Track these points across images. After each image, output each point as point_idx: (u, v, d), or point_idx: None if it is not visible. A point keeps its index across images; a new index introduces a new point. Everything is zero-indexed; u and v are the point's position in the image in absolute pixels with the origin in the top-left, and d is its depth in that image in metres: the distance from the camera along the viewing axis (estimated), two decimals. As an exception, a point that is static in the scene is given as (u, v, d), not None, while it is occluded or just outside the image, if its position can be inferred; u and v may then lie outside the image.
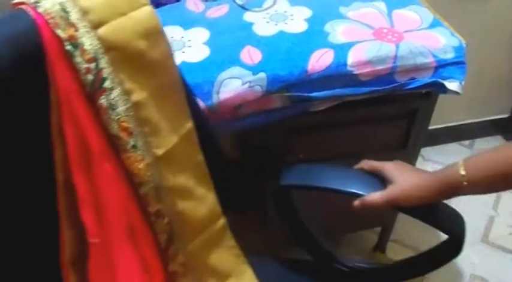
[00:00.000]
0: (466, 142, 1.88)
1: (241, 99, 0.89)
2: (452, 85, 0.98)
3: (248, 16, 1.01)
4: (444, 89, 0.99)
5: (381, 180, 0.74)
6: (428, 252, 0.83)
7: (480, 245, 1.54)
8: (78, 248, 0.60)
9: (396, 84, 0.96)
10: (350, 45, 0.94)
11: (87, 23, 0.54)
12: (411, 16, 1.05)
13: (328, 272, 0.90)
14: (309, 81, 0.91)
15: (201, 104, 0.87)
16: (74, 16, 0.53)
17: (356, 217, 1.20)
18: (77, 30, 0.53)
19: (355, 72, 0.93)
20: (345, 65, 0.92)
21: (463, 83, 0.99)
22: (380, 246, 1.46)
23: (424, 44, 0.97)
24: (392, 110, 1.06)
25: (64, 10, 0.53)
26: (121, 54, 0.56)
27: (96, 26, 0.55)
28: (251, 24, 0.98)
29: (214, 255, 0.73)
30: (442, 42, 0.98)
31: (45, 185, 0.57)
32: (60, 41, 0.52)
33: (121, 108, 0.56)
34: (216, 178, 0.72)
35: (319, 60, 0.91)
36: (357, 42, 0.95)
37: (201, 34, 0.96)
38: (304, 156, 1.03)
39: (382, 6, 1.06)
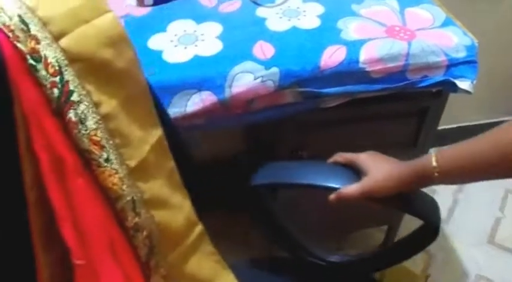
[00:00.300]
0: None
1: (253, 93, 0.89)
2: (463, 84, 0.98)
3: (261, 11, 1.01)
4: (455, 88, 0.99)
5: (356, 173, 0.74)
6: (406, 238, 0.83)
7: (486, 246, 1.54)
8: (58, 270, 0.58)
9: (408, 82, 0.97)
10: (362, 42, 0.94)
11: (48, 34, 0.51)
12: (423, 14, 1.05)
13: (306, 267, 0.90)
14: (321, 77, 0.91)
15: (214, 97, 0.88)
16: (34, 28, 0.50)
17: (362, 215, 1.22)
18: (38, 42, 0.50)
19: (367, 69, 0.93)
20: (357, 61, 0.92)
21: (474, 82, 0.99)
22: (386, 245, 1.46)
23: (436, 42, 0.97)
24: (403, 107, 1.06)
25: (23, 22, 0.50)
26: (86, 65, 0.54)
27: (57, 37, 0.52)
28: (264, 19, 0.99)
29: (194, 263, 0.72)
30: (454, 41, 0.98)
31: (17, 209, 0.54)
32: (22, 55, 0.49)
33: (90, 121, 0.54)
34: (191, 182, 0.71)
35: (332, 57, 0.91)
36: (369, 39, 0.95)
37: (213, 28, 0.96)
38: (309, 154, 1.04)
39: (395, 4, 1.06)
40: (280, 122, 0.99)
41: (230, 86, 0.88)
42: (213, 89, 0.88)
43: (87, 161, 0.55)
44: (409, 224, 1.39)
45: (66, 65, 0.52)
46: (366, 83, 0.95)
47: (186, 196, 0.69)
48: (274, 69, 0.89)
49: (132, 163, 0.59)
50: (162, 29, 0.96)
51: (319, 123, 1.02)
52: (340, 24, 0.98)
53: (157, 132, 0.64)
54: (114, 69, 0.56)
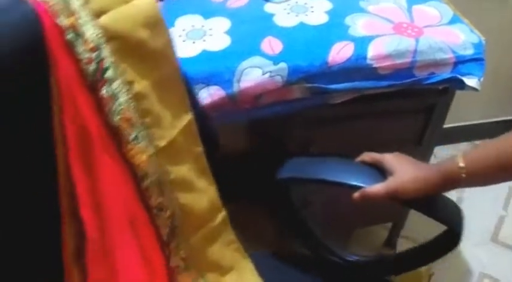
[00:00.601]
0: (478, 142, 1.87)
1: (261, 88, 0.89)
2: (470, 81, 0.98)
3: (269, 7, 1.01)
4: (462, 85, 0.99)
5: (381, 172, 0.74)
6: (427, 243, 0.83)
7: (490, 244, 1.54)
8: (80, 243, 0.59)
9: (415, 78, 0.97)
10: (370, 38, 0.94)
11: (89, 11, 0.53)
12: (431, 12, 1.05)
13: (325, 265, 0.90)
14: (329, 73, 0.91)
15: (222, 92, 0.88)
16: (75, 4, 0.52)
17: (367, 212, 1.22)
18: (78, 18, 0.52)
19: (374, 66, 0.93)
20: (365, 58, 0.92)
21: (481, 79, 0.99)
22: (390, 242, 1.46)
23: (443, 39, 0.97)
24: (409, 104, 1.07)
25: None
26: (123, 43, 0.55)
27: (97, 14, 0.53)
28: (272, 15, 0.99)
29: (215, 250, 0.72)
30: (461, 38, 0.98)
31: (48, 179, 0.56)
32: (61, 30, 0.51)
33: (122, 98, 0.55)
34: (216, 171, 0.71)
35: (340, 53, 0.92)
36: (377, 35, 0.95)
37: (222, 23, 0.97)
38: (318, 149, 1.04)
39: (402, 1, 1.06)
40: (288, 117, 0.99)
41: (238, 81, 0.89)
42: (221, 83, 0.88)
43: (116, 138, 0.56)
44: (413, 221, 1.40)
45: (104, 42, 0.53)
46: (373, 79, 0.95)
47: (211, 182, 0.70)
48: (283, 65, 0.89)
49: (161, 143, 0.60)
50: (171, 24, 0.96)
51: (326, 119, 1.02)
52: (348, 20, 0.98)
53: (187, 116, 0.65)
54: (149, 49, 0.58)
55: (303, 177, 0.79)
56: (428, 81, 0.98)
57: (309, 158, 0.85)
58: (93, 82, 0.53)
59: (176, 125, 0.63)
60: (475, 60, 0.98)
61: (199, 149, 0.68)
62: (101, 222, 0.56)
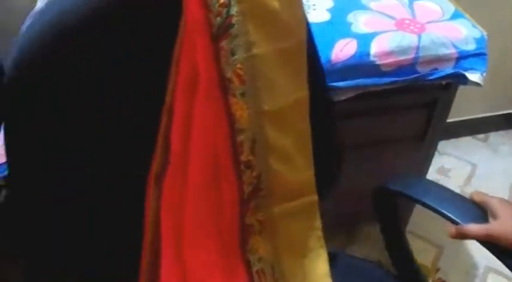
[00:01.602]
0: (481, 136, 1.88)
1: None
2: (473, 76, 0.99)
3: (270, 6, 1.01)
4: (465, 80, 0.99)
5: (483, 213, 0.73)
6: None
7: (495, 238, 1.55)
8: (164, 166, 0.63)
9: (418, 74, 0.97)
10: (373, 35, 0.94)
11: None
12: (432, 7, 1.05)
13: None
14: (332, 70, 0.92)
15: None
16: None
17: (371, 209, 1.22)
18: None
19: (377, 63, 0.93)
20: (368, 55, 0.93)
21: (484, 74, 0.99)
22: (395, 238, 1.47)
23: (445, 35, 0.97)
24: (412, 100, 1.07)
25: None
26: (253, 7, 0.57)
27: None
28: (274, 14, 0.99)
29: (295, 229, 0.71)
30: (463, 33, 0.99)
31: (154, 104, 0.61)
32: None
33: (240, 55, 0.58)
34: (321, 156, 0.70)
35: (343, 50, 0.92)
36: (380, 32, 0.95)
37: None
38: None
39: (404, -3, 1.07)
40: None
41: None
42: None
43: (224, 88, 0.59)
44: (418, 217, 1.41)
45: (236, 2, 0.56)
46: (377, 76, 0.95)
47: (310, 164, 0.69)
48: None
49: (266, 107, 0.61)
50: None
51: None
52: (350, 17, 0.98)
53: (301, 93, 0.65)
54: (277, 19, 0.59)
55: (410, 195, 0.79)
56: (431, 77, 0.98)
57: (419, 179, 0.87)
58: (217, 33, 0.56)
59: (288, 96, 0.63)
60: (478, 55, 0.98)
61: (306, 128, 0.67)
62: (185, 152, 0.60)
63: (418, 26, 0.98)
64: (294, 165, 0.67)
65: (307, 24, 0.65)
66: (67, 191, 0.64)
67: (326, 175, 0.75)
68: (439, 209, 0.75)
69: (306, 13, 0.64)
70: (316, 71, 0.72)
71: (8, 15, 1.15)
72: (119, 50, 0.58)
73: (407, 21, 0.99)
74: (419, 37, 0.95)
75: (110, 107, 0.61)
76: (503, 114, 1.85)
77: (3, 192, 1.09)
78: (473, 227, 0.70)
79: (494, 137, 1.88)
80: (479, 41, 0.99)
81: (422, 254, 1.44)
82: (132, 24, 0.57)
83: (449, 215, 0.73)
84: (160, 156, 0.64)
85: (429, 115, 1.12)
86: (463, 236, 0.71)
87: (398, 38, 0.94)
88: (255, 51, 0.58)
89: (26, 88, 0.58)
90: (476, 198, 0.76)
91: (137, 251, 0.67)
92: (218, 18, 0.56)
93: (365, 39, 0.94)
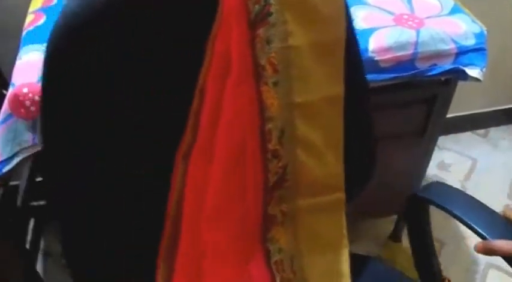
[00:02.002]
0: (481, 131, 1.87)
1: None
2: (473, 72, 0.98)
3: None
4: (465, 76, 0.99)
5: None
6: None
7: (495, 234, 1.54)
8: (192, 145, 0.64)
9: (417, 70, 0.96)
10: (371, 31, 0.94)
11: None
12: (431, 2, 1.04)
13: None
14: (330, 67, 0.91)
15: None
16: None
17: (371, 205, 1.21)
18: None
19: (376, 59, 0.93)
20: (366, 51, 0.92)
21: (484, 69, 0.99)
22: (395, 234, 1.46)
23: (445, 30, 0.96)
24: (412, 96, 1.06)
25: None
26: None
27: None
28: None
29: (320, 225, 0.70)
30: (462, 28, 0.98)
31: (186, 85, 0.61)
32: None
33: (276, 44, 0.58)
34: (354, 154, 0.70)
35: (341, 46, 0.91)
36: (378, 28, 0.94)
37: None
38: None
39: (402, -8, 1.06)
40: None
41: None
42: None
43: (257, 75, 0.59)
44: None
45: None
46: (375, 72, 0.95)
47: (340, 163, 0.68)
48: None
49: (299, 99, 0.61)
50: None
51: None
52: (348, 13, 0.97)
53: (336, 89, 0.64)
54: (316, 12, 0.59)
55: (440, 204, 0.77)
56: (431, 73, 0.97)
57: (451, 189, 0.83)
58: (254, 20, 0.57)
59: (321, 91, 0.63)
60: (477, 50, 0.97)
61: (338, 125, 0.67)
62: (212, 132, 0.61)
63: (417, 21, 0.98)
64: (322, 160, 0.66)
65: (350, 20, 0.65)
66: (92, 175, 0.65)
67: (358, 174, 0.75)
68: (468, 221, 0.73)
69: (348, 10, 0.64)
70: (356, 67, 0.71)
71: (7, 15, 1.14)
72: (155, 32, 0.59)
73: (405, 17, 0.98)
74: (418, 32, 0.94)
75: (143, 89, 0.62)
76: (503, 109, 1.84)
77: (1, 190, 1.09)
78: (501, 243, 0.68)
79: (494, 132, 1.87)
80: (478, 36, 0.98)
81: (422, 251, 1.44)
82: (171, 10, 0.58)
83: (477, 228, 0.72)
84: (189, 135, 0.64)
85: (429, 111, 1.11)
86: (490, 251, 0.68)
87: (396, 34, 0.94)
88: (291, 41, 0.58)
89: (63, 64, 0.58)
90: (508, 213, 0.73)
91: (157, 232, 0.67)
92: (256, 6, 0.56)
93: (363, 35, 0.93)
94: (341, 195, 0.70)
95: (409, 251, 1.44)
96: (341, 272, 0.72)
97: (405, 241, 1.47)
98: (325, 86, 0.63)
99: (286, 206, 0.66)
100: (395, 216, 1.45)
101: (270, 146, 0.62)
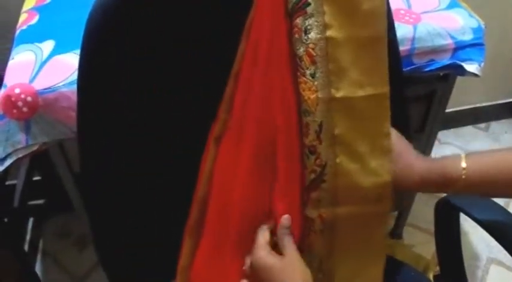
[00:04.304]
0: (482, 125, 1.86)
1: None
2: (471, 67, 0.96)
3: None
4: (463, 71, 0.97)
5: None
6: None
7: (497, 228, 1.53)
8: (224, 130, 0.65)
9: (414, 66, 0.95)
10: (367, 27, 0.92)
11: None
12: (428, -4, 1.03)
13: None
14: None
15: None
16: None
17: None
18: None
19: (372, 55, 0.91)
20: (362, 47, 0.90)
21: (482, 64, 0.97)
22: (397, 231, 1.45)
23: (442, 25, 0.95)
24: (410, 92, 1.05)
25: None
26: None
27: None
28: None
29: (357, 235, 0.65)
30: (460, 23, 0.96)
31: (222, 70, 0.62)
32: None
33: (313, 35, 0.57)
34: None
35: (336, 43, 0.90)
36: (374, 23, 0.93)
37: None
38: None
39: (399, -13, 1.04)
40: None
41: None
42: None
43: (294, 66, 0.59)
44: (419, 210, 1.39)
45: None
46: (372, 68, 0.93)
47: (386, 171, 0.63)
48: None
49: (338, 94, 0.59)
50: None
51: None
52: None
53: (381, 88, 0.61)
54: (355, 6, 0.58)
55: (470, 213, 0.74)
56: (428, 69, 0.96)
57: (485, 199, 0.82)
58: (292, 9, 0.57)
59: (362, 87, 0.60)
60: (475, 45, 0.96)
61: (385, 129, 0.63)
62: (242, 114, 0.61)
63: (414, 16, 0.96)
64: (364, 165, 0.62)
65: (391, 21, 0.64)
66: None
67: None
68: (498, 235, 0.71)
69: (390, 10, 0.63)
70: (395, 62, 0.70)
71: (4, 15, 1.14)
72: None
73: (402, 12, 0.97)
74: (415, 28, 0.93)
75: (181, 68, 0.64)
76: (504, 103, 1.83)
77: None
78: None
79: (495, 125, 1.86)
80: (476, 30, 0.96)
81: (423, 246, 1.43)
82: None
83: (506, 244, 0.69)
84: (222, 119, 0.64)
85: (427, 106, 1.10)
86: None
87: (393, 29, 0.92)
88: (329, 33, 0.57)
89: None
90: None
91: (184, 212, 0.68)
92: None
93: (359, 31, 0.91)
94: (386, 207, 0.65)
95: (409, 248, 1.44)
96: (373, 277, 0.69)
97: (406, 236, 1.46)
98: (366, 84, 0.60)
99: (326, 211, 0.62)
100: (395, 213, 1.44)
101: (307, 141, 0.60)
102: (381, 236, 0.68)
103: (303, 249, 0.63)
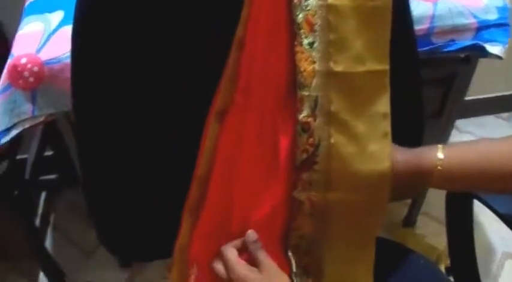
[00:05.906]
0: (505, 115, 1.81)
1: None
2: (494, 49, 0.92)
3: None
4: (485, 53, 0.93)
5: None
6: None
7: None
8: (227, 104, 0.60)
9: (433, 46, 0.92)
10: (385, 3, 0.89)
11: None
12: (451, -26, 0.98)
13: None
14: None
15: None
16: None
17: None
18: None
19: (389, 33, 0.88)
20: (379, 24, 0.87)
21: (506, 46, 0.93)
22: (409, 219, 1.42)
23: (464, 3, 0.91)
24: (427, 74, 1.00)
25: None
26: None
27: None
28: None
29: (351, 223, 0.61)
30: (484, 1, 0.92)
31: (223, 39, 0.59)
32: None
33: (313, 1, 0.54)
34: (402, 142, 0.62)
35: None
36: (392, 0, 0.89)
37: None
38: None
39: (420, -38, 1.00)
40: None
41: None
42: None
43: (292, 35, 0.55)
44: (433, 198, 1.36)
45: None
46: (388, 47, 0.90)
47: (386, 156, 0.59)
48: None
49: (336, 68, 0.55)
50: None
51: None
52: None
53: (380, 65, 0.58)
54: None
55: (486, 200, 0.73)
56: (448, 49, 0.92)
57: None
58: None
59: (362, 62, 0.57)
60: (499, 25, 0.92)
61: (383, 110, 0.59)
62: (248, 93, 0.58)
63: (434, -7, 0.92)
64: (361, 149, 0.58)
65: None
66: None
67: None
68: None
69: None
70: (407, 40, 0.67)
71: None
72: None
73: (422, -12, 0.93)
74: (435, 5, 0.89)
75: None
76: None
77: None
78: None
79: (519, 116, 1.80)
80: (501, 10, 0.92)
81: (436, 237, 1.40)
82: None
83: None
84: (225, 92, 0.59)
85: (447, 90, 1.06)
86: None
87: (411, 6, 0.88)
88: (330, 0, 0.54)
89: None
90: None
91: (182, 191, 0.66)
92: None
93: (376, 8, 0.88)
94: (383, 197, 0.60)
95: (422, 238, 1.41)
96: (364, 273, 0.65)
97: (419, 225, 1.43)
98: (367, 60, 0.57)
99: (316, 195, 0.58)
100: (409, 201, 1.41)
101: (301, 117, 0.55)
102: (375, 225, 0.63)
103: (290, 230, 0.60)
